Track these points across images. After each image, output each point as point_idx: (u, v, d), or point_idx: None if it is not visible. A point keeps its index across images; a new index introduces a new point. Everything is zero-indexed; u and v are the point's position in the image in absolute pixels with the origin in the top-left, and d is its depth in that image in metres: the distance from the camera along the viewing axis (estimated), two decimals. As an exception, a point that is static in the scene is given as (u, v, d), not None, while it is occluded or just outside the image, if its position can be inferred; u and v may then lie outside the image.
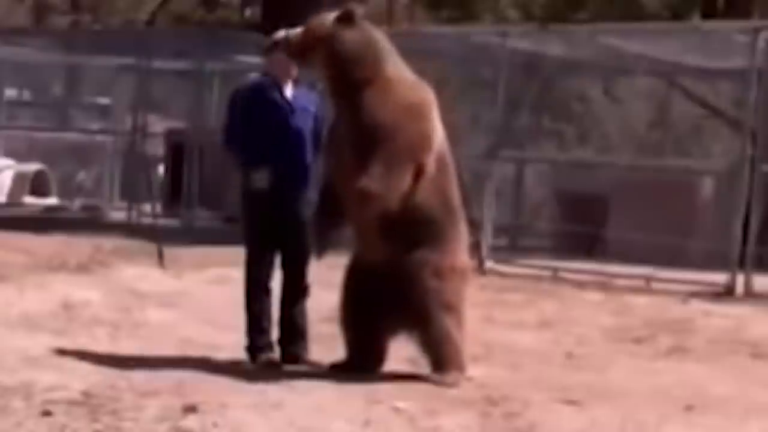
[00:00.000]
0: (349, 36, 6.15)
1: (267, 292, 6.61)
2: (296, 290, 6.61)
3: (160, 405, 5.27)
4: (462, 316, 6.29)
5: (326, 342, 6.70)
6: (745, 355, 7.91)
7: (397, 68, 6.26)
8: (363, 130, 6.05)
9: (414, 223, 6.11)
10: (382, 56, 6.18)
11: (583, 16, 20.53)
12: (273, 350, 6.58)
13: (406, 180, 6.02)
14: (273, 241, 6.57)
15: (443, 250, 6.18)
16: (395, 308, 6.22)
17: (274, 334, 6.61)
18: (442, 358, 6.20)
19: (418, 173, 6.08)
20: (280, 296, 6.63)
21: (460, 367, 6.23)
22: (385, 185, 5.97)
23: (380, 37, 6.29)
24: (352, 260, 6.42)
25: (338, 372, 6.28)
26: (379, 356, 6.39)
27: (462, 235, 6.35)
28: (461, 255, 6.33)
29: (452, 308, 6.21)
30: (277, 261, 6.63)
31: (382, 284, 6.17)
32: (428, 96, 6.27)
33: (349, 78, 6.12)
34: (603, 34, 13.89)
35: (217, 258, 11.34)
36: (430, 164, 6.13)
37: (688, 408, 5.93)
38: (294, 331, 6.61)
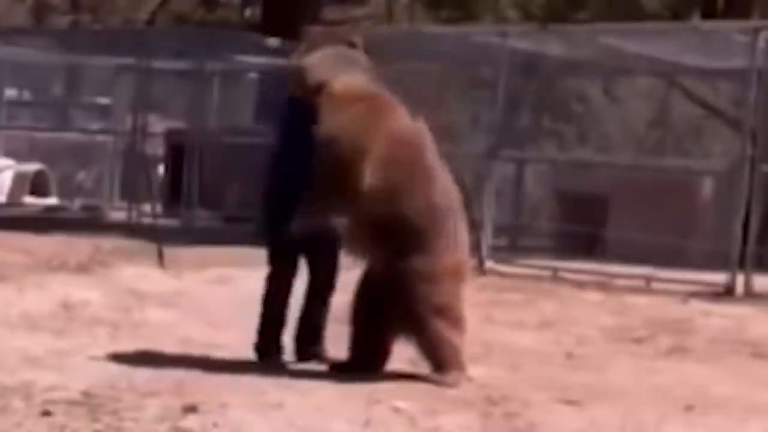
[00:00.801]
0: (303, 63, 6.35)
1: (287, 292, 6.61)
2: (322, 291, 6.61)
3: (160, 405, 5.27)
4: (457, 315, 6.26)
5: (331, 341, 6.69)
6: (746, 355, 7.91)
7: (350, 81, 6.23)
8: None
9: (397, 232, 6.09)
10: (329, 74, 6.23)
11: (583, 16, 20.54)
12: (282, 352, 6.60)
13: (340, 187, 6.05)
14: (298, 242, 6.55)
15: (430, 253, 6.14)
16: (392, 314, 6.22)
17: (288, 333, 6.62)
18: (440, 361, 6.20)
19: (355, 177, 6.05)
20: (304, 294, 6.63)
21: (460, 367, 6.23)
22: (318, 198, 6.11)
23: (335, 56, 6.35)
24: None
25: (339, 372, 6.28)
26: (382, 358, 6.39)
27: (452, 235, 6.27)
28: (452, 255, 6.26)
29: (445, 310, 6.18)
30: (301, 262, 6.62)
31: (380, 290, 6.20)
32: (369, 104, 6.19)
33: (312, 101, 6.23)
34: (603, 34, 13.89)
35: (217, 258, 11.35)
36: (371, 169, 6.05)
37: (688, 408, 5.93)
38: (314, 331, 6.61)
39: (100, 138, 20.15)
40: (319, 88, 6.22)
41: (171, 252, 11.39)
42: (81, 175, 20.45)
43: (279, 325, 6.61)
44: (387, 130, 6.17)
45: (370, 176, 6.07)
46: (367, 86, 6.28)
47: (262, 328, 6.62)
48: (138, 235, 13.23)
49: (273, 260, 6.64)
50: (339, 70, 6.28)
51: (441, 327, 6.16)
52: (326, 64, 6.31)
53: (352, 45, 6.53)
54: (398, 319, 6.21)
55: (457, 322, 6.25)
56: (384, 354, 6.38)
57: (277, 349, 6.60)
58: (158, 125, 19.08)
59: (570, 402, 5.88)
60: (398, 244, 6.10)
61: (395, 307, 6.16)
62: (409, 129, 6.25)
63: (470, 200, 16.16)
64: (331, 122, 6.12)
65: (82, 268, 10.38)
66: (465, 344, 6.32)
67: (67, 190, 19.49)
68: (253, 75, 20.07)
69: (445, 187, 6.31)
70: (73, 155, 20.26)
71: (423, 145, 6.28)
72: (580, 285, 11.41)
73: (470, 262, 6.52)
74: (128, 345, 6.98)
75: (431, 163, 6.28)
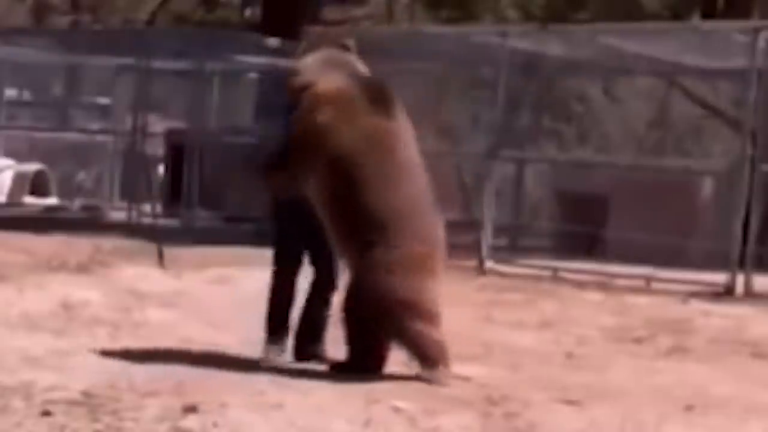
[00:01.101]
0: (294, 66, 6.61)
1: (293, 289, 6.64)
2: (324, 290, 6.63)
3: (160, 405, 5.27)
4: (428, 310, 6.22)
5: (331, 342, 6.69)
6: (745, 355, 7.92)
7: (331, 82, 6.37)
8: None
9: (360, 228, 6.17)
10: (315, 76, 6.42)
11: (583, 16, 20.52)
12: (285, 350, 6.62)
13: (293, 171, 6.33)
14: (302, 239, 6.59)
15: (391, 248, 6.15)
16: (366, 312, 6.26)
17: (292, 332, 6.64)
18: (422, 356, 6.20)
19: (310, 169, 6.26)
20: (306, 293, 6.65)
21: (444, 359, 6.21)
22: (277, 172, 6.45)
23: (325, 59, 6.51)
24: None
25: (339, 372, 6.28)
26: (381, 358, 6.39)
27: (419, 231, 6.28)
28: (418, 250, 6.24)
29: (413, 304, 6.17)
30: (305, 259, 6.65)
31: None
32: (344, 103, 6.31)
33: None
34: (603, 34, 13.90)
35: (217, 258, 11.36)
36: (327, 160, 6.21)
37: (688, 408, 5.94)
38: (314, 330, 6.63)
39: (100, 138, 20.17)
40: (304, 89, 6.38)
41: (171, 252, 11.39)
42: (81, 175, 20.46)
43: (286, 323, 6.63)
44: (357, 128, 6.27)
45: (333, 172, 6.21)
46: (347, 87, 6.38)
47: (271, 327, 6.63)
48: (138, 235, 13.24)
49: (278, 258, 6.66)
50: (325, 72, 6.43)
51: (412, 323, 6.16)
52: (315, 67, 6.47)
53: (345, 48, 6.65)
54: (372, 317, 6.22)
55: (428, 317, 6.23)
56: (382, 354, 6.38)
57: (284, 346, 6.61)
58: (158, 125, 19.09)
59: (570, 402, 5.88)
60: (363, 240, 6.17)
61: (364, 304, 6.20)
62: (381, 127, 6.33)
63: (470, 200, 16.22)
64: (306, 119, 6.30)
65: (82, 268, 10.38)
66: (439, 332, 6.26)
67: (67, 190, 19.49)
68: (253, 75, 20.08)
69: (413, 185, 6.34)
70: (73, 155, 20.27)
71: (393, 143, 6.35)
72: (580, 285, 11.42)
73: (440, 258, 6.43)
74: (128, 345, 6.98)
75: (399, 161, 6.34)
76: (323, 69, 6.44)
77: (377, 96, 6.38)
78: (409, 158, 6.39)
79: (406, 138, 6.42)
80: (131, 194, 17.26)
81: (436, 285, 6.31)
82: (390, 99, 6.40)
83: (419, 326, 6.17)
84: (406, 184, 6.31)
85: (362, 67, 6.60)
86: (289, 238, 6.64)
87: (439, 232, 6.38)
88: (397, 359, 6.50)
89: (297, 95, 6.42)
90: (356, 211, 6.18)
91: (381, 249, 6.14)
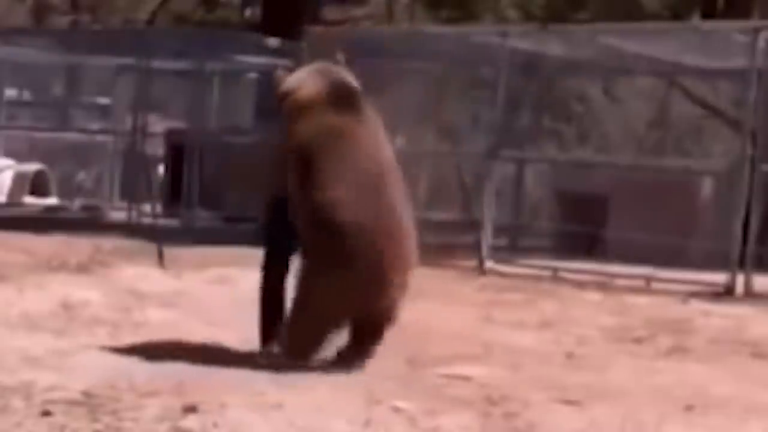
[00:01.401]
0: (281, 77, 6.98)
1: (281, 291, 6.65)
2: None
3: (160, 405, 5.27)
4: (313, 306, 6.34)
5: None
6: (746, 355, 7.92)
7: (309, 89, 6.67)
8: None
9: (314, 224, 6.36)
10: (297, 84, 6.73)
11: (583, 16, 20.52)
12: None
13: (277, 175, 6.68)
14: (291, 241, 6.61)
15: (327, 244, 6.29)
16: None
17: None
18: (283, 344, 6.44)
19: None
20: None
21: (299, 355, 6.36)
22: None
23: (311, 69, 6.81)
24: None
25: (338, 371, 6.28)
26: (362, 349, 6.47)
27: (374, 228, 6.32)
28: (360, 244, 6.26)
29: (310, 303, 6.33)
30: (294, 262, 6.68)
31: None
32: (319, 107, 6.57)
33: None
34: (603, 34, 13.90)
35: (217, 258, 11.36)
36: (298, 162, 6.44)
37: (688, 408, 5.94)
38: None
39: (100, 138, 20.16)
40: (287, 96, 6.70)
41: (171, 252, 11.39)
42: (81, 175, 20.45)
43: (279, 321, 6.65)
44: (325, 127, 6.47)
45: (301, 169, 6.42)
46: (320, 92, 6.61)
47: (264, 327, 6.64)
48: (138, 235, 13.24)
49: (269, 258, 6.69)
50: (307, 81, 6.72)
51: (302, 315, 6.32)
52: (298, 76, 6.77)
53: (332, 59, 6.96)
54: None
55: (318, 313, 6.31)
56: (363, 346, 6.42)
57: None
58: (158, 125, 19.09)
59: (570, 402, 5.89)
60: (314, 234, 6.32)
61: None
62: (347, 127, 6.49)
63: (470, 200, 16.21)
64: (286, 121, 6.65)
65: (82, 268, 10.38)
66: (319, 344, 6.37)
67: (67, 190, 19.49)
68: (253, 75, 20.08)
69: (378, 183, 6.41)
70: (73, 155, 20.26)
71: (356, 143, 6.49)
72: (580, 285, 11.42)
73: (397, 257, 6.43)
74: (128, 345, 6.98)
75: (362, 161, 6.44)
76: (306, 78, 6.74)
77: (348, 100, 6.60)
78: (374, 158, 6.50)
79: (370, 137, 6.56)
80: (131, 194, 17.25)
81: (372, 281, 6.29)
82: (359, 102, 6.61)
83: (305, 321, 6.33)
84: (375, 184, 6.40)
85: (348, 76, 6.78)
86: (279, 243, 6.67)
87: (405, 233, 6.40)
88: (399, 356, 6.50)
89: (281, 102, 6.71)
90: (313, 205, 6.32)
91: (318, 244, 6.28)
